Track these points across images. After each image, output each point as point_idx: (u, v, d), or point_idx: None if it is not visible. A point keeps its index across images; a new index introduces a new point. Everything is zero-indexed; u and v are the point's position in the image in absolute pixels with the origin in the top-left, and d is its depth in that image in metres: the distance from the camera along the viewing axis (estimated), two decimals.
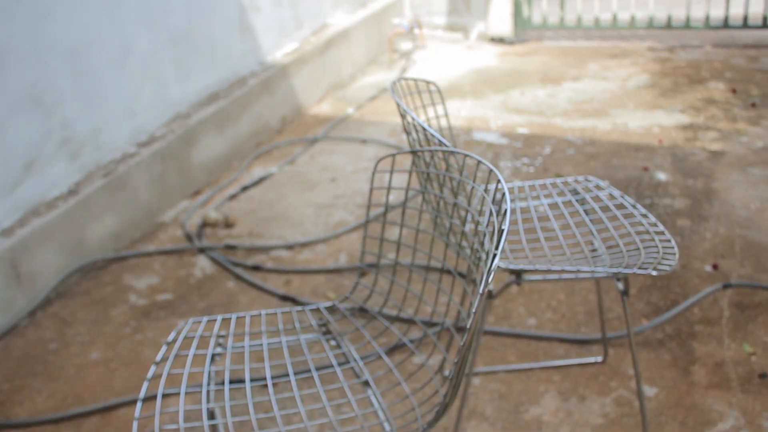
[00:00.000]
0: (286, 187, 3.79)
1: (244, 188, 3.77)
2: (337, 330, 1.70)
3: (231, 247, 3.22)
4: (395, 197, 3.66)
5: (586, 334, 2.57)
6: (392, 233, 3.30)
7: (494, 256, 1.23)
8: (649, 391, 2.30)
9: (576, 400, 2.29)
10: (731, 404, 2.24)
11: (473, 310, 1.24)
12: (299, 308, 1.72)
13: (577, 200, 2.19)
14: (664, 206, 3.36)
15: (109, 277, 3.09)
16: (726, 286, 2.73)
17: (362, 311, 2.75)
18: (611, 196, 2.18)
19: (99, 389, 2.45)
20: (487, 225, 1.40)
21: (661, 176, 3.64)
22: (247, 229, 3.40)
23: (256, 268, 3.07)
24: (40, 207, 3.07)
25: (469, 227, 1.69)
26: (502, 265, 1.88)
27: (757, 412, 2.20)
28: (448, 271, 2.96)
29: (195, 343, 1.62)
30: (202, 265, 3.13)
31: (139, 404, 1.45)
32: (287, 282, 2.97)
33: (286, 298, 2.85)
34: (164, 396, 2.38)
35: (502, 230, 1.26)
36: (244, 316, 1.71)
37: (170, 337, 1.65)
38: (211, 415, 1.63)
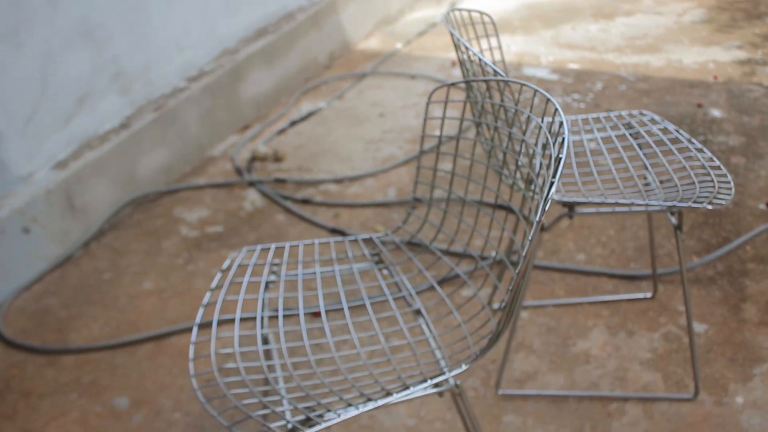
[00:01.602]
0: (335, 122, 3.79)
1: (293, 123, 3.78)
2: (390, 260, 1.71)
3: (280, 181, 3.24)
4: (447, 131, 3.63)
5: (636, 270, 2.55)
6: (445, 167, 3.29)
7: (551, 184, 1.23)
8: (699, 327, 2.29)
9: (624, 335, 2.29)
10: None
11: (529, 238, 1.24)
12: (352, 237, 1.74)
13: (630, 134, 2.16)
14: (718, 143, 3.29)
15: (161, 209, 3.14)
16: None
17: (413, 245, 2.76)
18: (666, 131, 2.15)
19: (152, 318, 2.51)
20: (543, 155, 1.39)
21: (716, 113, 3.57)
22: (296, 163, 3.41)
23: (306, 202, 3.09)
24: (93, 140, 3.11)
25: (523, 159, 1.68)
26: (555, 197, 1.86)
27: None
28: (501, 206, 2.95)
29: (249, 270, 1.64)
30: (252, 198, 3.16)
31: (195, 329, 1.48)
32: (336, 215, 2.99)
33: (335, 231, 2.87)
34: (219, 322, 2.44)
35: (560, 158, 1.25)
36: (298, 245, 1.73)
37: (225, 265, 1.67)
38: (265, 341, 1.66)
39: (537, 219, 1.22)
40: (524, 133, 1.54)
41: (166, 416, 2.11)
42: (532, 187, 1.44)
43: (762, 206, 2.84)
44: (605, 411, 2.03)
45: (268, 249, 1.74)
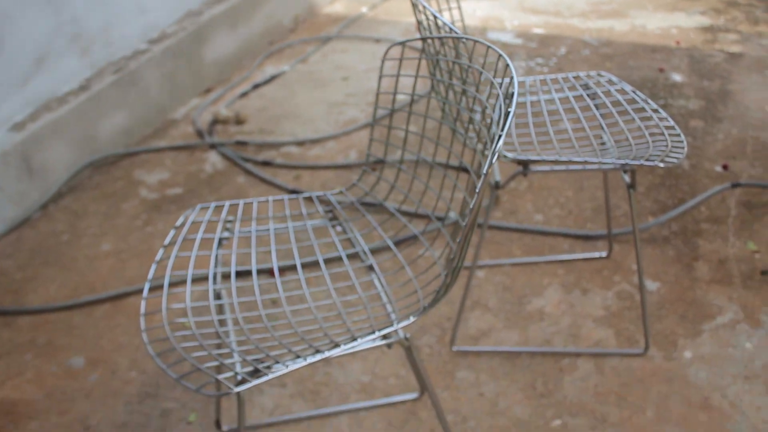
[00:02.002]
0: (298, 86, 3.77)
1: (256, 86, 3.76)
2: (343, 216, 1.72)
3: (241, 143, 3.23)
4: (405, 96, 3.63)
5: (593, 230, 2.58)
6: (403, 127, 3.29)
7: (499, 137, 1.24)
8: (652, 285, 2.33)
9: (579, 293, 2.32)
10: (731, 299, 2.26)
11: (476, 190, 1.25)
12: (306, 194, 1.74)
13: (588, 95, 2.17)
14: (678, 107, 3.32)
15: (121, 172, 3.12)
16: (735, 186, 2.73)
17: (369, 205, 2.77)
18: (623, 92, 2.16)
19: (110, 279, 2.50)
20: (495, 109, 1.40)
21: (677, 77, 3.59)
22: (258, 126, 3.40)
23: (266, 164, 3.08)
24: (51, 102, 3.07)
25: (478, 117, 1.68)
26: (510, 155, 1.88)
27: (757, 306, 2.23)
28: (457, 167, 2.97)
29: (202, 227, 1.64)
30: (213, 160, 3.14)
31: (146, 284, 1.49)
32: (297, 177, 2.99)
33: (295, 192, 2.87)
34: (172, 280, 2.44)
35: (509, 113, 1.26)
36: (252, 202, 1.73)
37: (178, 222, 1.67)
38: (218, 297, 1.66)
39: (484, 171, 1.23)
40: (477, 89, 1.55)
41: (122, 375, 2.12)
42: (485, 142, 1.45)
43: (718, 168, 2.88)
44: (557, 366, 2.06)
45: (222, 206, 1.73)
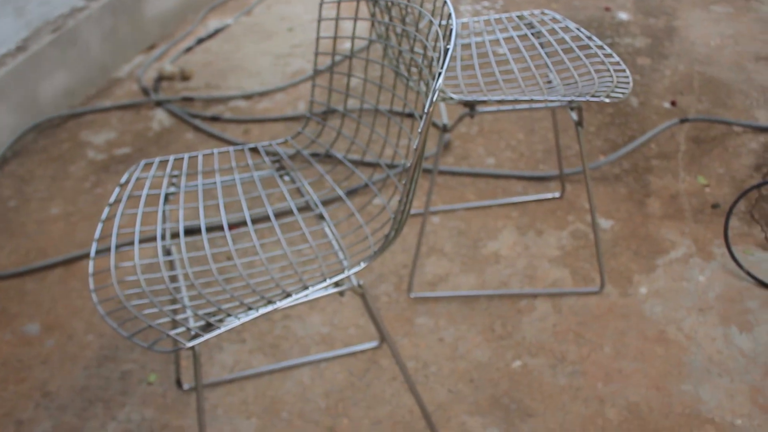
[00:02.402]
0: (243, 38, 3.70)
1: (200, 41, 3.68)
2: (290, 165, 1.70)
3: (188, 99, 3.17)
4: (350, 43, 3.58)
5: (545, 171, 2.58)
6: (350, 78, 3.25)
7: (439, 74, 1.22)
8: (605, 223, 2.35)
9: (533, 234, 2.33)
10: (684, 233, 2.29)
11: (419, 130, 1.23)
12: (252, 145, 1.71)
13: (533, 34, 2.16)
14: (625, 45, 3.32)
15: (66, 134, 3.04)
16: (683, 121, 2.75)
17: (315, 156, 2.74)
18: (567, 29, 2.15)
19: (61, 243, 2.45)
20: (435, 50, 1.38)
21: (623, 16, 3.59)
22: (204, 81, 3.33)
23: (215, 119, 3.03)
24: None
25: (419, 59, 1.65)
26: (455, 97, 1.86)
27: (708, 239, 2.26)
28: (403, 113, 2.94)
29: (147, 183, 1.60)
30: (160, 118, 3.08)
31: (93, 244, 1.45)
32: (246, 131, 2.94)
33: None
34: (121, 240, 2.40)
35: (447, 49, 1.24)
36: (197, 155, 1.69)
37: (123, 179, 1.63)
38: (167, 253, 1.64)
39: (426, 110, 1.21)
40: (416, 30, 1.52)
41: (78, 339, 2.09)
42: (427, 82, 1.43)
43: (667, 105, 2.89)
44: (515, 308, 2.08)
45: (167, 161, 1.70)
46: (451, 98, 1.86)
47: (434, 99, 1.21)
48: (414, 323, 2.05)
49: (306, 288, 1.34)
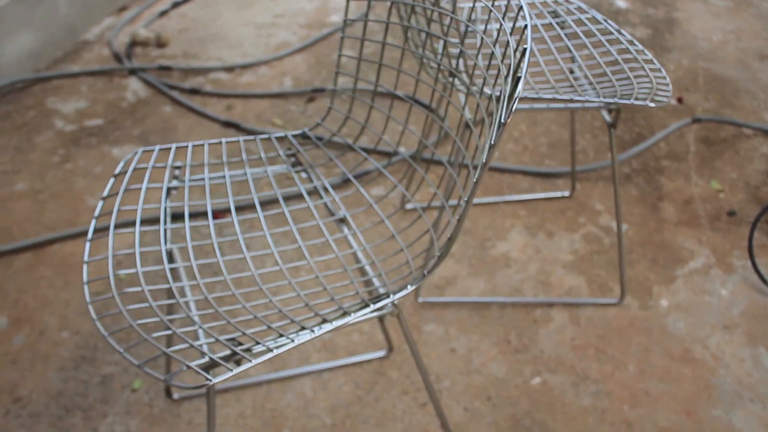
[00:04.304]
0: (222, 5, 3.47)
1: (175, 4, 3.44)
2: (308, 162, 1.52)
3: (165, 69, 2.94)
4: (355, 14, 3.38)
5: (551, 167, 2.45)
6: (356, 53, 3.06)
7: (518, 79, 1.06)
8: None
9: (543, 236, 2.19)
10: (701, 242, 2.17)
11: (492, 142, 1.07)
12: (264, 136, 1.52)
13: (557, 23, 2.00)
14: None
15: (32, 100, 2.80)
16: (695, 121, 2.63)
17: (331, 145, 2.56)
18: (594, 20, 2.00)
19: (28, 224, 2.24)
20: (495, 44, 1.22)
21: (621, 4, 3.46)
22: (181, 49, 3.11)
23: (195, 92, 2.82)
24: None
25: (447, 44, 1.48)
26: (487, 91, 1.70)
27: (727, 250, 2.15)
28: (419, 102, 2.77)
29: (147, 174, 1.41)
30: (134, 87, 2.86)
31: (92, 222, 1.27)
32: (229, 107, 2.74)
33: (229, 124, 2.63)
34: (114, 233, 2.20)
35: (525, 49, 1.08)
36: (203, 145, 1.51)
37: (118, 169, 1.44)
38: (171, 258, 1.45)
39: (503, 120, 1.05)
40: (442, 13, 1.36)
41: (52, 336, 1.89)
42: (464, 77, 1.27)
43: (673, 101, 2.77)
44: (530, 317, 1.94)
45: (169, 150, 1.51)
46: (485, 93, 1.69)
47: (513, 109, 1.05)
48: (422, 331, 1.90)
49: (346, 315, 1.17)
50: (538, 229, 2.21)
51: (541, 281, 2.04)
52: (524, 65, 1.07)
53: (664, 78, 1.76)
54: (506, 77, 1.16)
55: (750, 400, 1.74)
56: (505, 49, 1.21)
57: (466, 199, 1.14)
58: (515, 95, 1.05)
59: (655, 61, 1.80)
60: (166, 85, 2.84)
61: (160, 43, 3.10)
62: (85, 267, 1.19)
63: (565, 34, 1.99)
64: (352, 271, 1.91)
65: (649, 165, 2.46)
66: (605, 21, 1.95)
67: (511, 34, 1.19)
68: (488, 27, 2.00)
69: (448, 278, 2.05)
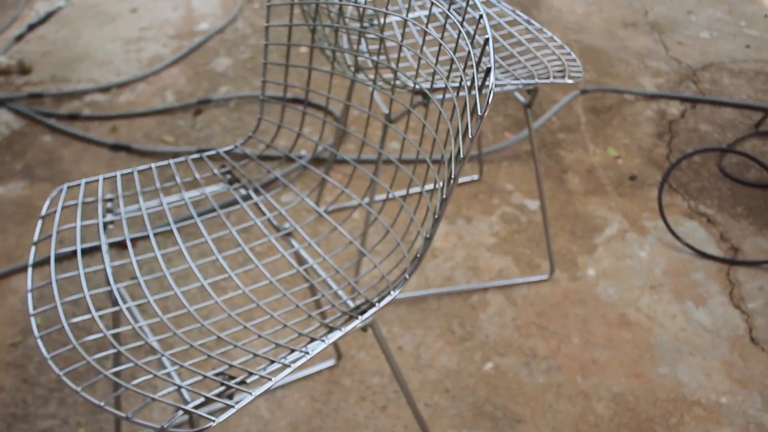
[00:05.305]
0: (81, 22, 3.30)
1: (31, 27, 3.24)
2: (247, 177, 1.46)
3: (36, 96, 2.77)
4: (223, 19, 3.29)
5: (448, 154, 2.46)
6: (224, 62, 2.97)
7: (488, 70, 1.05)
8: (532, 204, 2.26)
9: (463, 222, 2.20)
10: (611, 208, 2.25)
11: (471, 135, 1.06)
12: (195, 155, 1.45)
13: (456, 11, 2.01)
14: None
15: None
16: (583, 92, 2.72)
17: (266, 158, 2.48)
18: (502, 13, 2.02)
19: None
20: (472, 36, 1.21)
21: None
22: (48, 73, 2.93)
23: (74, 117, 2.66)
24: None
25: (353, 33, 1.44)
26: (410, 83, 1.69)
27: (637, 213, 2.23)
28: (310, 104, 2.72)
29: (79, 211, 1.32)
30: (5, 119, 2.67)
31: (32, 249, 1.17)
32: (113, 129, 2.61)
33: (118, 147, 2.50)
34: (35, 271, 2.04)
35: (486, 39, 1.07)
36: (132, 172, 1.42)
37: (44, 210, 1.33)
38: (114, 302, 1.37)
39: (481, 113, 1.04)
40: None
41: None
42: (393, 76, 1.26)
43: None
44: (468, 304, 1.95)
45: (96, 181, 1.42)
46: (406, 85, 1.68)
47: (489, 102, 1.04)
48: (365, 333, 1.88)
49: (332, 330, 1.14)
50: (455, 215, 2.22)
51: (471, 267, 2.06)
52: (492, 56, 1.06)
53: (572, 57, 1.80)
54: (464, 69, 1.15)
55: (689, 353, 1.81)
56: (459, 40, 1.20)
57: (436, 215, 1.13)
58: (490, 86, 1.05)
59: (564, 45, 1.84)
60: (40, 113, 2.67)
61: (24, 70, 2.92)
62: (29, 295, 1.10)
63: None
64: (319, 284, 1.87)
65: (546, 140, 2.52)
66: (513, 12, 1.98)
67: (467, 25, 1.19)
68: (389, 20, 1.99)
69: (378, 276, 2.03)
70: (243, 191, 1.47)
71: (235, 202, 2.19)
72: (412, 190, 2.30)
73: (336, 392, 1.74)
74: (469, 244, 2.13)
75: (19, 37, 3.16)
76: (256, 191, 1.80)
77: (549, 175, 2.37)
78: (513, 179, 2.35)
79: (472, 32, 1.18)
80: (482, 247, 2.12)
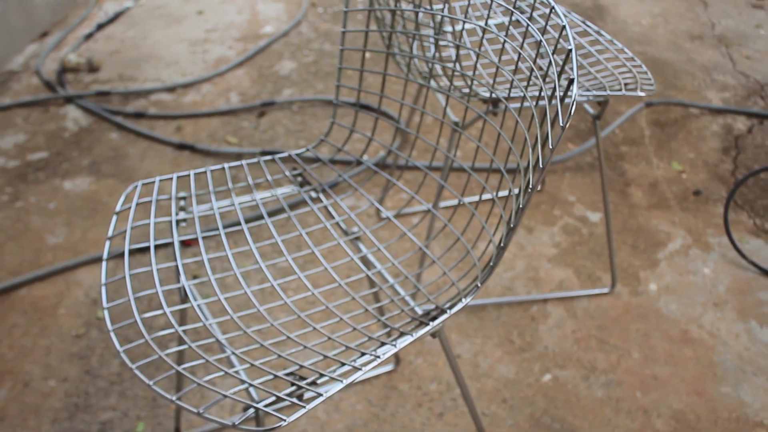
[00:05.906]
0: (148, 23, 3.36)
1: (100, 26, 3.31)
2: (318, 180, 1.48)
3: (104, 94, 2.83)
4: (288, 23, 3.32)
5: (515, 162, 2.46)
6: (289, 65, 3.00)
7: (571, 80, 1.05)
8: (594, 216, 2.25)
9: (524, 232, 2.20)
10: (674, 223, 2.22)
11: (551, 146, 1.06)
12: (267, 157, 1.47)
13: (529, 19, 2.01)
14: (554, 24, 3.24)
15: None
16: (648, 105, 2.69)
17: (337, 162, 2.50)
18: (573, 23, 2.02)
19: None
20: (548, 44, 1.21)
21: None
22: (116, 72, 2.99)
23: (140, 115, 2.71)
24: None
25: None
26: (482, 92, 1.69)
27: (701, 229, 2.20)
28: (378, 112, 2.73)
29: (153, 208, 1.34)
30: (74, 115, 2.73)
31: (107, 244, 1.19)
32: (178, 128, 2.65)
33: (183, 146, 2.54)
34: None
35: (570, 50, 1.07)
36: (205, 172, 1.44)
37: (119, 206, 1.36)
38: (184, 297, 1.39)
39: (563, 124, 1.04)
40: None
41: (37, 386, 1.78)
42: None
43: None
44: (528, 315, 1.94)
45: (170, 179, 1.45)
46: (477, 94, 1.69)
47: (572, 112, 1.04)
48: (424, 340, 1.88)
49: (402, 335, 1.14)
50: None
51: (531, 277, 2.05)
52: (575, 66, 1.06)
53: (643, 69, 1.79)
54: (544, 78, 1.15)
55: (753, 373, 1.78)
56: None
57: (513, 224, 1.12)
58: (573, 97, 1.05)
59: (635, 57, 1.83)
60: (107, 111, 2.72)
61: (93, 68, 2.98)
62: (103, 289, 1.12)
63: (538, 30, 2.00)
64: (387, 289, 1.88)
65: (609, 152, 2.50)
66: (583, 23, 1.97)
67: (531, 35, 1.18)
68: (458, 29, 1.99)
69: (439, 285, 2.03)
70: (313, 194, 1.49)
71: (300, 205, 2.21)
72: (484, 197, 2.29)
73: (393, 397, 1.74)
74: (530, 255, 2.12)
75: (89, 36, 3.23)
76: (325, 194, 1.81)
77: (612, 187, 2.35)
78: (575, 191, 2.33)
79: (553, 42, 1.18)
80: (543, 258, 2.10)
